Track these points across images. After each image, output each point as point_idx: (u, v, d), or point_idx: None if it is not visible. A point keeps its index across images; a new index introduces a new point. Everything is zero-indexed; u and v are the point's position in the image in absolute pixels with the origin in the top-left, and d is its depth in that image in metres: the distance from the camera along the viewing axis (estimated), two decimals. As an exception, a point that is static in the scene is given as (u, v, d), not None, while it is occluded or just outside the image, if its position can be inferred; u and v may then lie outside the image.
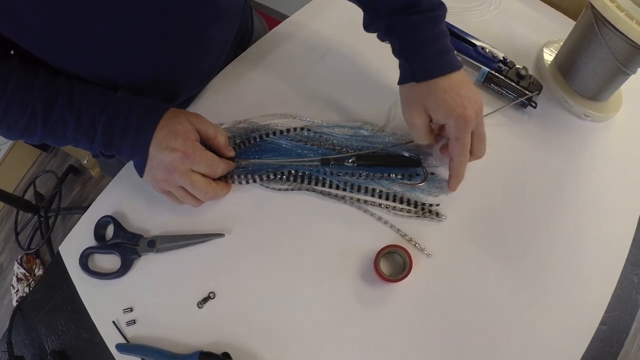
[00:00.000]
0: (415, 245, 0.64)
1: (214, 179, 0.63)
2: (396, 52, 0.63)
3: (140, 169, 0.61)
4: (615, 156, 0.75)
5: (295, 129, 0.71)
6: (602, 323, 0.61)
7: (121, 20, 0.57)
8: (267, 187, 0.68)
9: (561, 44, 0.81)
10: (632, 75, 0.72)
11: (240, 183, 0.68)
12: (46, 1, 0.50)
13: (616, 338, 0.62)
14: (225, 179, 0.67)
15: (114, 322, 0.61)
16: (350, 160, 0.67)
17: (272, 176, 0.68)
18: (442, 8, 0.62)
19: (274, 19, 2.29)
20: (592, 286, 0.63)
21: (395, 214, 0.66)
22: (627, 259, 0.66)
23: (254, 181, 0.68)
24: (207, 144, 0.63)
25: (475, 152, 0.63)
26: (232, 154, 0.66)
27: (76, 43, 0.57)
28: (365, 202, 0.67)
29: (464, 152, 0.61)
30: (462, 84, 0.60)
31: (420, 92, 0.61)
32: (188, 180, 0.60)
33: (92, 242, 0.66)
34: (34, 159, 2.32)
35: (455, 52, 0.78)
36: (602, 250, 0.66)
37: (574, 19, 0.77)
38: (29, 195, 2.12)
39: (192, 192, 0.62)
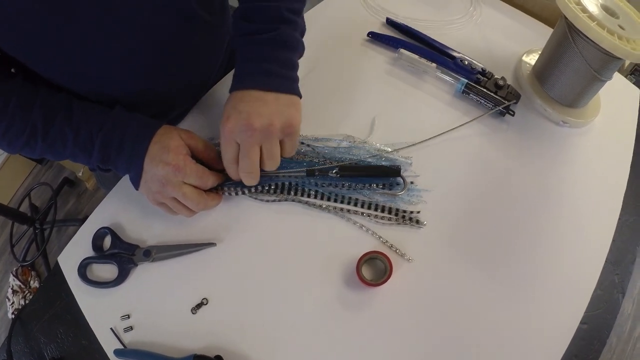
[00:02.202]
0: (395, 251, 0.66)
1: (205, 191, 0.65)
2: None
3: (136, 183, 0.63)
4: (594, 160, 0.77)
5: (281, 142, 0.73)
6: (583, 322, 0.62)
7: (117, 37, 0.60)
8: (255, 198, 0.70)
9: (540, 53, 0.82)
10: (609, 81, 0.73)
11: (230, 194, 0.69)
12: (48, 19, 0.53)
13: (598, 336, 0.63)
14: (216, 190, 0.68)
15: (111, 328, 0.62)
16: (333, 172, 0.68)
17: (260, 188, 0.69)
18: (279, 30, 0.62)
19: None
20: (573, 286, 0.65)
21: (377, 221, 0.68)
22: (608, 259, 0.67)
23: (243, 193, 0.69)
24: (198, 158, 0.65)
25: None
26: (221, 166, 0.67)
27: (75, 58, 0.60)
28: (349, 211, 0.68)
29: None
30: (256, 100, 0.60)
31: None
32: (180, 192, 0.61)
33: (90, 252, 0.67)
34: (29, 171, 2.29)
35: (436, 65, 0.81)
36: (582, 251, 0.68)
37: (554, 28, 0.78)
38: (24, 208, 2.10)
39: (184, 203, 0.63)
